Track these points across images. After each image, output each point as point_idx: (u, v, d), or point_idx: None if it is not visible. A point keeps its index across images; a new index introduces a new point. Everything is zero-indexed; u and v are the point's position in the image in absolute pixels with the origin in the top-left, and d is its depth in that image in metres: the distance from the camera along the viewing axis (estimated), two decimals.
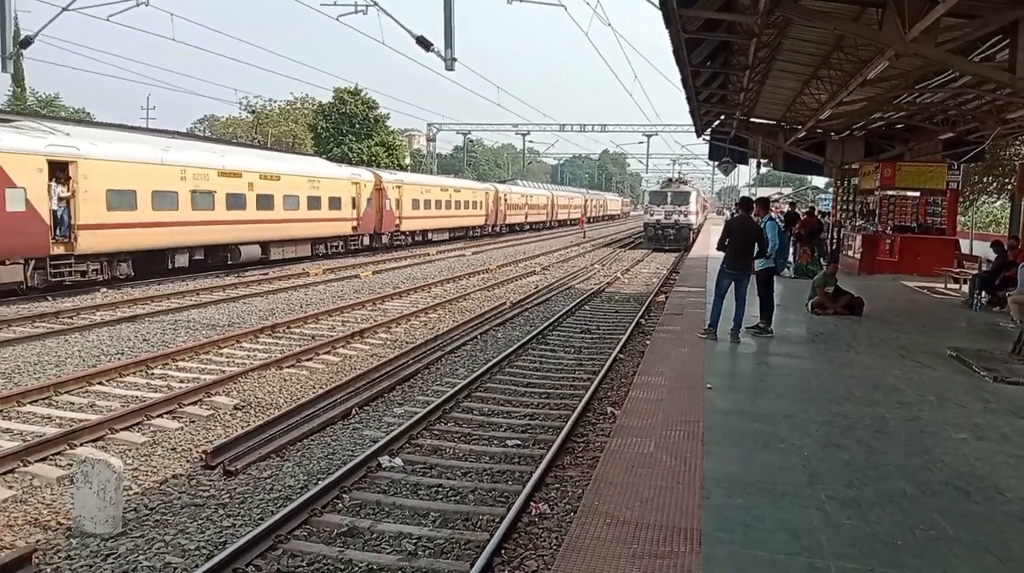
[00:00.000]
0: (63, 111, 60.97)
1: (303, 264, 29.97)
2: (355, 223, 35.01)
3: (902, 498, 5.01)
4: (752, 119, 25.18)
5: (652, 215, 46.51)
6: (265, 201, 28.20)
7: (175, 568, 6.24)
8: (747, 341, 11.39)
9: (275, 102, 74.15)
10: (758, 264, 12.43)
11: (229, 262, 26.98)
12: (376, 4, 17.02)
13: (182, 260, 24.68)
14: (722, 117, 24.83)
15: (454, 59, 15.93)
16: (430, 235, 45.20)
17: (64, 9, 19.68)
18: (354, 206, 34.79)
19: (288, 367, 13.03)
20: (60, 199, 20.07)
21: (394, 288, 23.57)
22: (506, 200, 58.45)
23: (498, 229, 57.08)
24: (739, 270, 11.67)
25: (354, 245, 35.91)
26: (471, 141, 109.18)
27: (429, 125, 77.07)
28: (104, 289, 21.36)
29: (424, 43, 15.98)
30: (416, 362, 13.48)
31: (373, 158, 58.34)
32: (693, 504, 4.71)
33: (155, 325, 16.68)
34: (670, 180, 50.55)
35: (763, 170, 42.27)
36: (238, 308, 19.34)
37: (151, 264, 23.69)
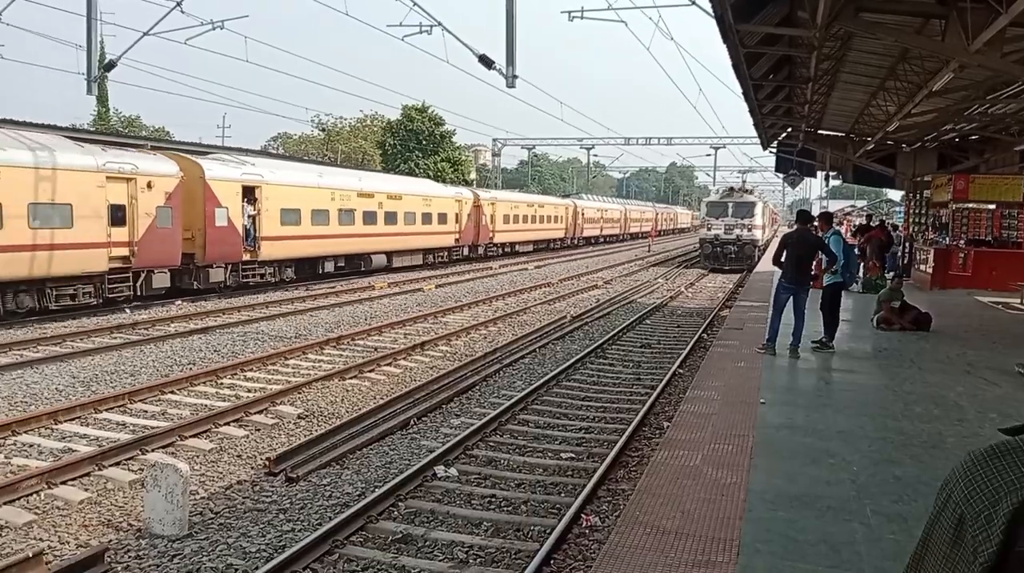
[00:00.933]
0: (143, 130, 63.43)
1: (369, 278, 30.60)
2: (457, 236, 39.60)
3: None
4: (820, 131, 24.80)
5: (710, 229, 39.46)
6: (391, 218, 32.89)
7: (236, 569, 6.51)
8: (807, 356, 11.25)
9: (345, 119, 75.81)
10: (825, 279, 12.31)
11: (363, 269, 31.34)
12: (440, 24, 17.39)
13: (329, 267, 29.19)
14: (788, 129, 24.52)
15: (515, 76, 16.16)
16: (517, 247, 49.00)
17: (145, 34, 20.63)
18: (457, 221, 39.47)
19: (351, 378, 13.36)
20: (249, 216, 24.66)
21: (456, 301, 23.87)
22: (583, 214, 61.52)
23: (575, 241, 60.34)
24: (797, 284, 11.56)
25: (456, 255, 40.34)
26: (535, 155, 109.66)
27: (494, 140, 77.79)
28: (180, 301, 22.18)
29: (486, 61, 16.24)
30: (474, 374, 13.67)
31: (439, 174, 59.13)
32: (735, 516, 4.73)
33: (225, 337, 17.26)
34: (731, 189, 41.92)
35: (834, 182, 39.16)
36: (305, 321, 19.87)
37: (307, 271, 28.27)
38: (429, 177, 53.34)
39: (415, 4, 15.93)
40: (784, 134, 25.18)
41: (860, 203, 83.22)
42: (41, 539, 7.09)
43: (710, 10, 9.75)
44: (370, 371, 13.91)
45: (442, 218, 37.72)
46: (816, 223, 12.71)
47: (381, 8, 20.83)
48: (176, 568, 6.55)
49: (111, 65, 21.59)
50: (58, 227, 18.46)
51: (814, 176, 30.58)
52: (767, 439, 6.56)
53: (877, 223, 26.38)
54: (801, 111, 18.49)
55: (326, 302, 23.50)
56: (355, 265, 30.91)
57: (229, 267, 24.14)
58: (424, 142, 62.65)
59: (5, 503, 7.65)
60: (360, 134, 74.93)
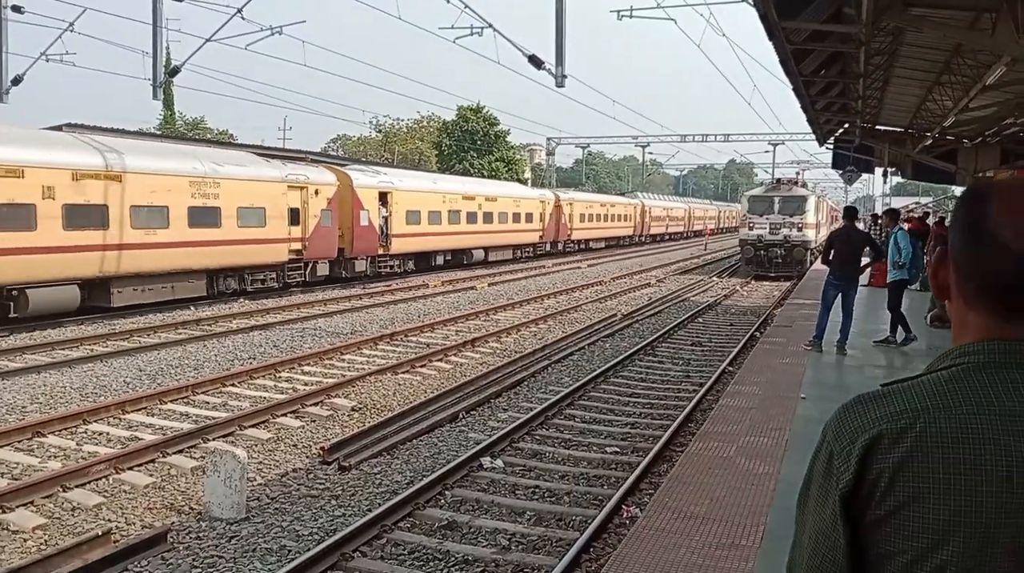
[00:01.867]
0: (207, 133, 65.19)
1: (423, 276, 31.12)
2: (541, 233, 43.77)
3: None
4: (877, 126, 24.39)
5: (752, 228, 33.01)
6: (488, 217, 37.31)
7: (290, 551, 6.85)
8: (854, 353, 11.19)
9: (402, 121, 76.80)
10: (890, 275, 12.30)
11: (465, 262, 35.77)
12: (491, 26, 17.65)
13: (439, 260, 33.89)
14: (845, 125, 24.17)
15: (564, 76, 16.32)
16: (591, 243, 52.52)
17: (207, 40, 21.35)
18: (541, 220, 43.54)
19: (403, 373, 13.71)
20: (382, 217, 29.41)
21: (507, 299, 24.14)
22: (650, 213, 64.53)
23: (643, 238, 63.30)
24: (845, 280, 11.54)
25: (540, 250, 44.51)
26: (590, 154, 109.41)
27: (548, 139, 77.89)
28: (242, 299, 22.90)
29: (536, 61, 16.44)
30: (523, 370, 13.90)
31: (494, 173, 59.56)
32: (763, 504, 4.86)
33: (284, 332, 17.82)
34: (779, 180, 35.86)
35: (895, 179, 36.41)
36: (361, 317, 20.35)
37: (423, 262, 32.92)
38: (483, 176, 53.90)
39: (466, 7, 16.22)
40: (840, 130, 24.82)
41: (925, 199, 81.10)
42: (109, 520, 7.55)
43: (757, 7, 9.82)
44: (422, 366, 14.24)
45: (528, 217, 41.95)
46: (882, 220, 12.66)
47: (433, 11, 21.19)
48: (234, 548, 6.92)
49: (176, 71, 22.40)
50: (255, 226, 22.95)
51: (872, 172, 29.90)
52: (803, 433, 6.64)
53: (936, 220, 25.81)
54: (855, 107, 18.27)
55: (382, 300, 23.99)
56: (459, 259, 35.34)
57: (369, 259, 28.95)
58: (479, 142, 63.16)
59: (77, 486, 8.14)
60: (416, 135, 75.82)
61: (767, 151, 77.13)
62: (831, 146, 27.25)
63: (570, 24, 16.97)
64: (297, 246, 24.69)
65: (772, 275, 32.29)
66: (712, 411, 7.44)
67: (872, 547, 1.19)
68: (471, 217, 35.74)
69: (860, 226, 29.83)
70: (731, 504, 4.86)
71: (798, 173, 49.22)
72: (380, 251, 29.52)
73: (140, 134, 27.67)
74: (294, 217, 24.39)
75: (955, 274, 1.26)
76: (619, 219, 57.44)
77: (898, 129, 24.36)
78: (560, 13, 15.90)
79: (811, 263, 32.01)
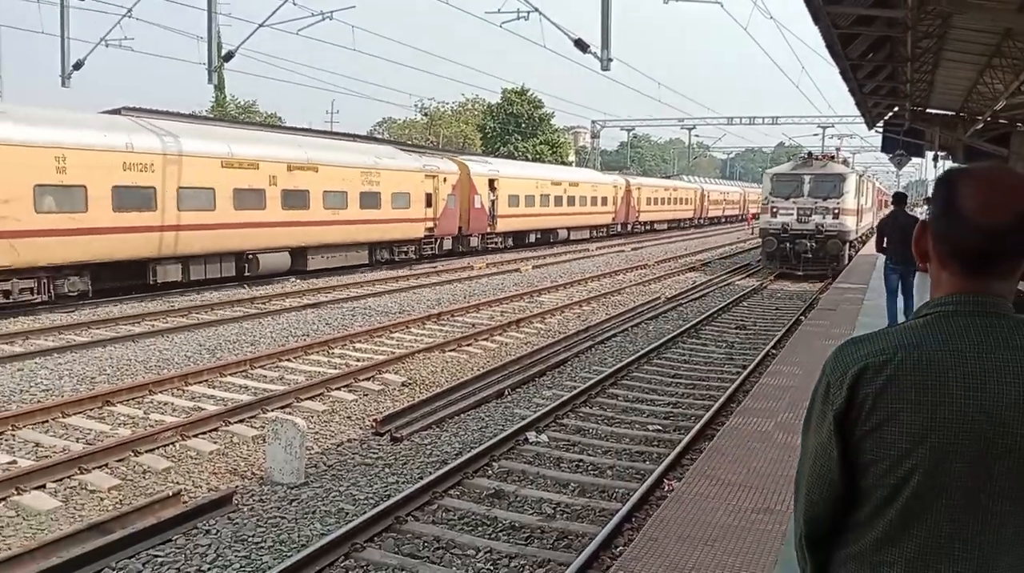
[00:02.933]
0: (258, 116, 66.27)
1: (468, 259, 31.57)
2: (614, 215, 47.77)
3: None
4: (928, 110, 24.02)
5: (775, 214, 27.35)
6: (571, 201, 41.61)
7: (347, 513, 7.26)
8: None
9: (447, 104, 77.18)
10: None
11: (551, 240, 40.37)
12: (537, 10, 17.84)
13: (532, 238, 38.79)
14: (895, 108, 23.85)
15: (610, 59, 16.46)
16: (655, 226, 56.20)
17: (260, 25, 21.87)
18: (614, 203, 47.43)
19: (450, 351, 14.10)
20: (491, 200, 34.20)
21: (552, 282, 24.41)
22: (708, 197, 68.20)
23: (701, 221, 66.94)
24: (902, 264, 11.78)
25: (612, 231, 48.50)
26: (635, 137, 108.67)
27: (593, 122, 77.64)
28: (294, 278, 23.51)
29: (581, 45, 16.61)
30: (567, 350, 14.19)
31: (538, 156, 59.65)
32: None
33: (336, 311, 18.34)
34: (809, 154, 29.01)
35: (946, 163, 34.17)
36: (409, 297, 20.81)
37: (519, 240, 37.88)
38: (528, 159, 54.12)
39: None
40: (890, 114, 24.51)
41: None
42: (177, 482, 8.05)
43: None
44: (468, 345, 14.61)
45: (604, 201, 46.03)
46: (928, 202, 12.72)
47: None
48: (295, 510, 7.36)
49: (229, 55, 22.97)
50: (403, 208, 28.03)
51: (922, 157, 29.41)
52: None
53: None
54: (904, 90, 18.10)
55: (428, 281, 24.45)
56: (546, 238, 39.99)
57: (480, 236, 34.29)
58: (523, 125, 63.24)
59: (146, 451, 8.66)
60: (461, 118, 76.15)
61: (816, 134, 75.89)
62: (880, 130, 26.88)
63: (616, 8, 17.11)
64: (430, 225, 29.94)
65: (800, 273, 26.62)
66: (752, 389, 7.64)
67: (859, 456, 1.51)
68: (558, 201, 40.19)
69: (917, 211, 29.39)
70: (768, 474, 5.11)
71: (837, 148, 44.33)
72: (488, 230, 34.75)
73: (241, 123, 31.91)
74: (428, 200, 29.59)
75: (932, 241, 1.57)
76: (681, 202, 61.51)
77: (949, 112, 23.95)
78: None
79: (850, 259, 27.17)
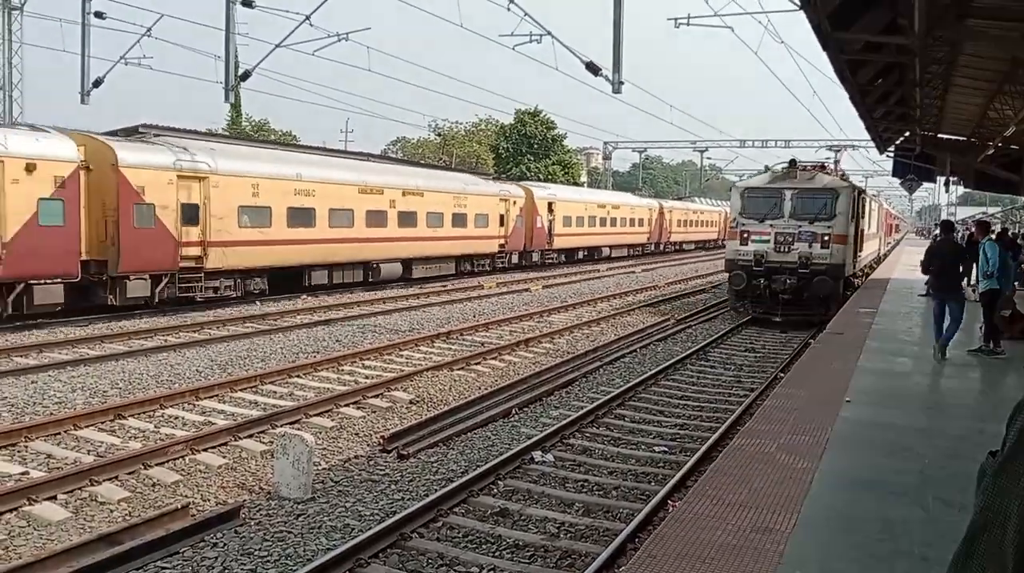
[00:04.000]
0: (272, 135, 66.83)
1: (479, 278, 31.73)
2: (648, 235, 52.99)
3: None
4: (939, 135, 24.09)
5: (746, 242, 21.01)
6: (613, 222, 46.72)
7: (352, 529, 7.33)
8: (904, 361, 11.27)
9: (460, 124, 77.62)
10: (981, 286, 12.51)
11: (595, 257, 44.77)
12: (549, 33, 18.04)
13: (580, 255, 43.44)
14: (906, 133, 23.92)
15: (621, 82, 16.61)
16: (683, 246, 61.59)
17: (277, 45, 22.16)
18: (649, 224, 52.90)
19: (458, 369, 14.17)
20: (548, 221, 38.80)
21: (561, 302, 24.48)
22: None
23: (722, 242, 71.85)
24: (943, 291, 11.93)
25: (647, 250, 53.35)
26: (648, 158, 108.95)
27: (605, 143, 77.88)
28: (304, 296, 23.67)
29: (593, 68, 16.78)
30: (575, 371, 14.24)
31: (550, 176, 59.89)
32: (799, 495, 5.14)
33: (346, 328, 18.46)
34: (792, 163, 21.85)
35: (957, 188, 33.39)
36: (419, 316, 20.92)
37: (569, 257, 42.38)
38: (540, 180, 54.47)
39: (526, 15, 16.65)
40: (901, 138, 24.57)
41: (993, 210, 78.89)
42: (186, 496, 8.14)
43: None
44: (476, 364, 14.69)
45: (640, 222, 51.38)
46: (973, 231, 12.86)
47: (494, 19, 21.71)
48: (301, 525, 7.43)
49: (246, 75, 23.25)
50: (482, 227, 33.14)
51: (933, 182, 29.43)
52: (845, 432, 6.87)
53: (996, 231, 25.35)
54: (914, 115, 18.18)
55: (438, 299, 24.57)
56: (591, 255, 44.67)
57: (540, 252, 38.89)
58: (536, 146, 63.58)
59: (156, 464, 8.76)
60: (474, 138, 76.56)
61: (828, 158, 75.86)
62: (891, 154, 26.94)
63: (628, 31, 17.28)
64: (502, 241, 35.00)
65: (777, 319, 20.17)
66: (758, 411, 7.69)
67: None
68: (603, 222, 45.18)
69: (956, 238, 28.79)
70: (767, 494, 5.15)
71: (836, 161, 40.73)
72: (547, 246, 39.38)
73: (325, 150, 33.92)
74: (501, 220, 34.75)
75: None
76: (707, 224, 67.26)
77: (960, 138, 24.02)
78: (618, 21, 16.21)
79: (845, 300, 20.08)
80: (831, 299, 19.81)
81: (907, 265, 32.12)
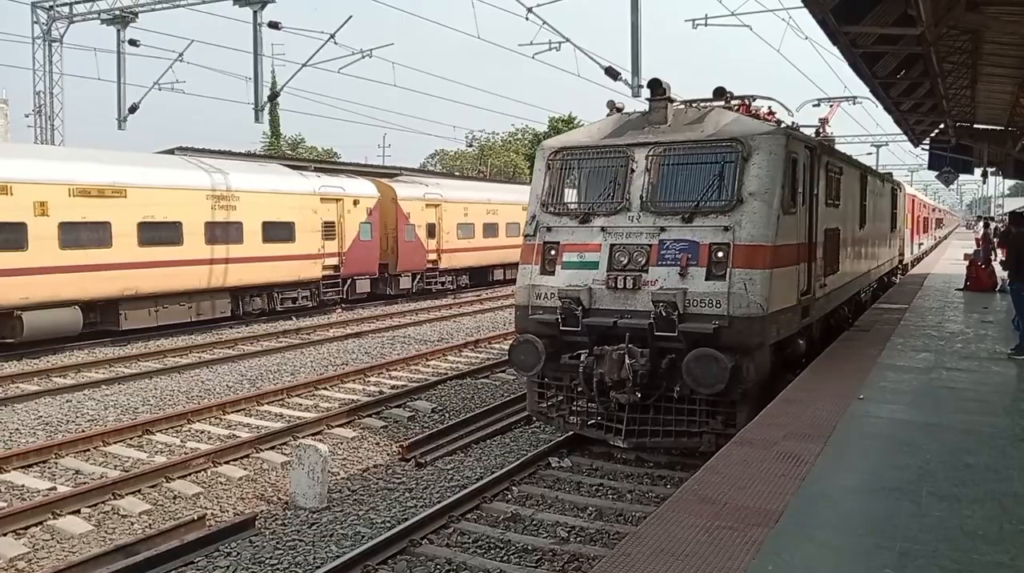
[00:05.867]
0: (309, 152, 67.97)
1: (511, 287, 31.91)
2: None
3: (1009, 498, 5.04)
4: (975, 125, 23.58)
5: (551, 265, 9.62)
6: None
7: (363, 536, 7.43)
8: (926, 356, 11.00)
9: (496, 135, 78.08)
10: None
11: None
12: (568, 40, 18.10)
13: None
14: (940, 125, 23.49)
15: (640, 86, 16.57)
16: None
17: (303, 65, 22.60)
18: None
19: (482, 378, 14.25)
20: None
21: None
22: None
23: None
24: (1016, 281, 11.67)
25: None
26: None
27: None
28: (339, 309, 24.02)
29: (612, 73, 16.77)
30: None
31: None
32: (789, 491, 5.10)
33: (376, 340, 18.68)
34: (655, 86, 9.65)
35: (996, 179, 32.25)
36: (449, 326, 21.07)
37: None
38: None
39: (544, 23, 16.75)
40: (935, 131, 24.11)
41: None
42: (205, 507, 8.33)
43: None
44: (501, 372, 14.73)
45: None
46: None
47: (513, 29, 21.90)
48: (313, 534, 7.56)
49: (275, 95, 23.76)
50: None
51: (971, 173, 28.74)
52: (850, 428, 6.77)
53: None
54: (944, 106, 17.85)
55: (470, 309, 24.75)
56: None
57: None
58: None
59: (179, 477, 8.98)
60: (512, 148, 76.89)
61: (869, 153, 74.57)
62: (927, 147, 26.42)
63: (647, 33, 17.28)
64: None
65: (622, 445, 9.14)
66: (767, 408, 7.62)
67: None
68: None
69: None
70: (757, 493, 5.08)
71: (826, 114, 19.02)
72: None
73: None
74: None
75: None
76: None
77: (997, 127, 23.48)
78: (635, 26, 16.22)
79: (775, 386, 9.41)
80: (734, 391, 8.54)
81: (949, 259, 31.41)
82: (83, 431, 10.80)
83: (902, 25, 10.61)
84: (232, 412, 11.87)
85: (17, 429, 11.04)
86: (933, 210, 40.94)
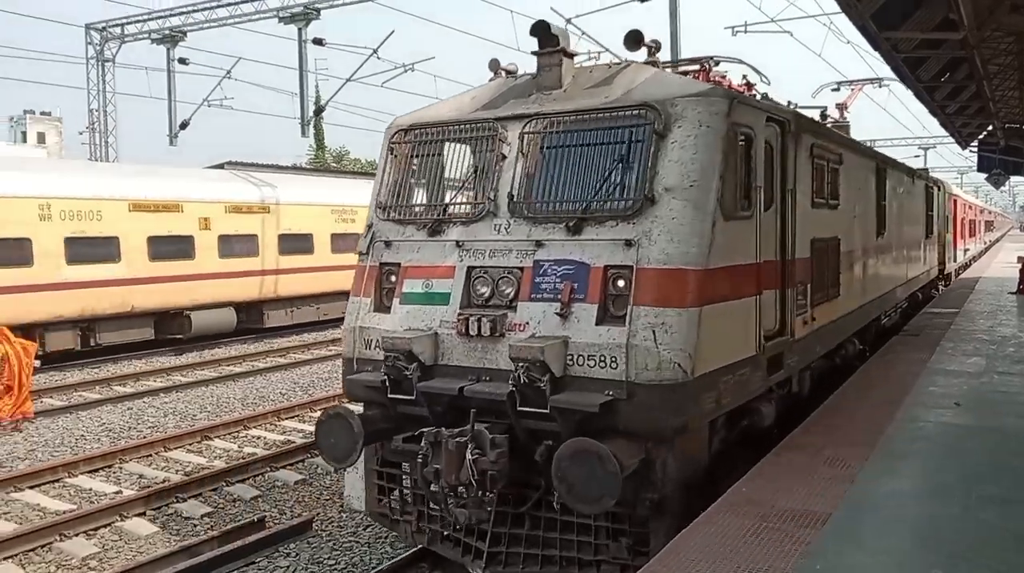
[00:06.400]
0: (355, 164, 69.05)
1: None
2: None
3: None
4: None
5: (387, 300, 6.64)
6: None
7: None
8: (978, 361, 10.91)
9: None
10: None
11: None
12: (608, 50, 18.19)
13: None
14: (989, 127, 23.14)
15: None
16: None
17: (347, 80, 23.11)
18: None
19: None
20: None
21: None
22: None
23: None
24: None
25: None
26: None
27: None
28: None
29: None
30: None
31: None
32: (836, 495, 5.18)
33: None
34: (539, 30, 6.42)
35: None
36: None
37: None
38: None
39: (584, 34, 16.90)
40: (984, 132, 23.76)
41: None
42: (263, 509, 8.62)
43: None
44: None
45: None
46: None
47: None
48: (368, 536, 7.81)
49: (321, 109, 24.29)
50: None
51: (1022, 174, 28.23)
52: (898, 433, 6.80)
53: None
54: (991, 108, 17.63)
55: None
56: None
57: None
58: None
59: (238, 481, 9.30)
60: None
61: (917, 155, 73.42)
62: (975, 149, 26.02)
63: (687, 42, 17.34)
64: None
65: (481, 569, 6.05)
66: (814, 413, 7.67)
67: None
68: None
69: None
70: (805, 495, 5.18)
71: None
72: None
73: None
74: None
75: None
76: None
77: None
78: (674, 35, 16.33)
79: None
80: (640, 504, 5.49)
81: (1001, 262, 30.85)
82: (145, 437, 11.22)
83: (944, 29, 10.58)
84: (287, 418, 12.22)
85: (83, 435, 11.51)
86: (981, 212, 37.01)
